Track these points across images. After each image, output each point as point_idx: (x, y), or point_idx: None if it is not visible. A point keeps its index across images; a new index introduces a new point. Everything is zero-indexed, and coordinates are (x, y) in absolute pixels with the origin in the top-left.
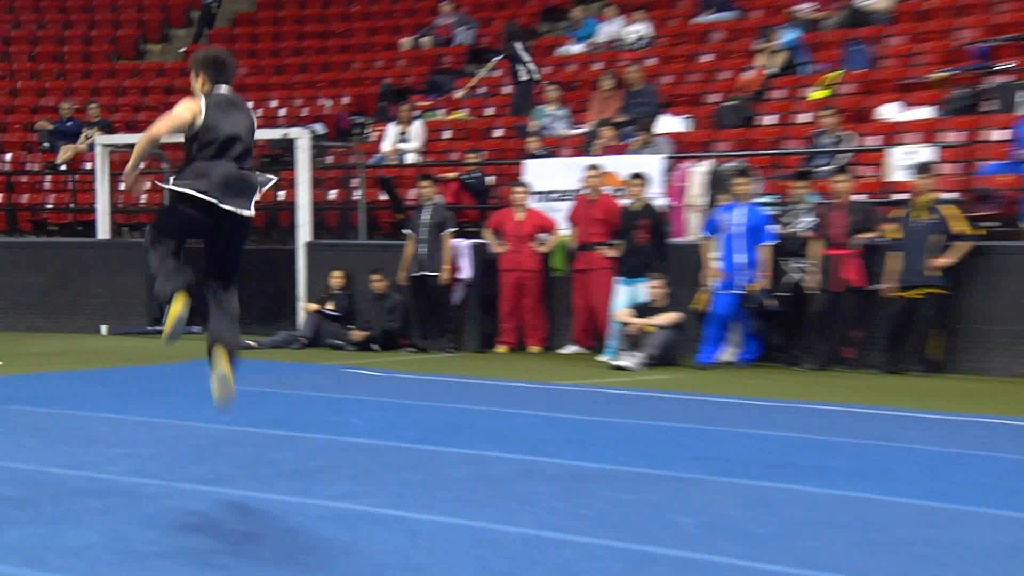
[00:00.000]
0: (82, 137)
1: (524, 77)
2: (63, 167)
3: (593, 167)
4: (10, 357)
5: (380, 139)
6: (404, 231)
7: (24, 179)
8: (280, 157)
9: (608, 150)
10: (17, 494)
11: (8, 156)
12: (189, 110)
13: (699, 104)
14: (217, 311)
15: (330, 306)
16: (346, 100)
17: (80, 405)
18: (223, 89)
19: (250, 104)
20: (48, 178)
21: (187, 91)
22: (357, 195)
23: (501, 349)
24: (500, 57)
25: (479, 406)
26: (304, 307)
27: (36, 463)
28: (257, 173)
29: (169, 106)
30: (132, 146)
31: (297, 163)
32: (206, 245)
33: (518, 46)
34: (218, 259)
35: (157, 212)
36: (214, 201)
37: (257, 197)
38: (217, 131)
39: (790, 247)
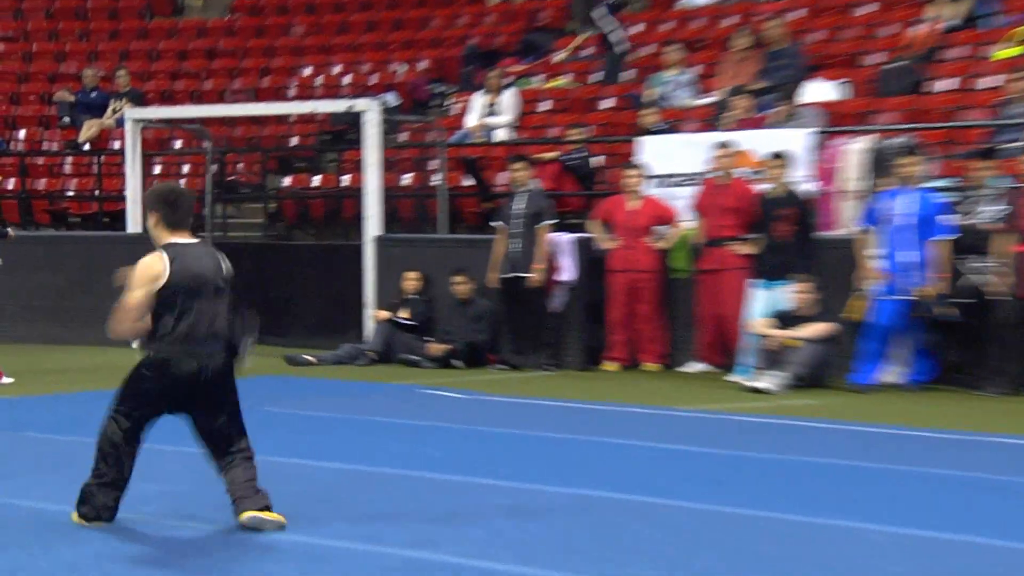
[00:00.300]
0: (109, 111)
1: (618, 48)
2: (86, 146)
3: (724, 145)
4: (24, 374)
5: (464, 112)
6: (493, 223)
7: (41, 161)
8: (343, 134)
9: (742, 124)
10: (34, 539)
11: (22, 133)
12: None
13: (856, 66)
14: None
15: (403, 314)
16: (423, 65)
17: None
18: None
19: (308, 70)
20: (69, 160)
21: (233, 53)
22: (436, 180)
23: (610, 367)
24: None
25: (584, 436)
26: (372, 315)
27: (54, 501)
28: None
29: (210, 73)
30: (169, 122)
31: (364, 141)
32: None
33: (600, 13)
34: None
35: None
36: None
37: None
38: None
39: (970, 242)
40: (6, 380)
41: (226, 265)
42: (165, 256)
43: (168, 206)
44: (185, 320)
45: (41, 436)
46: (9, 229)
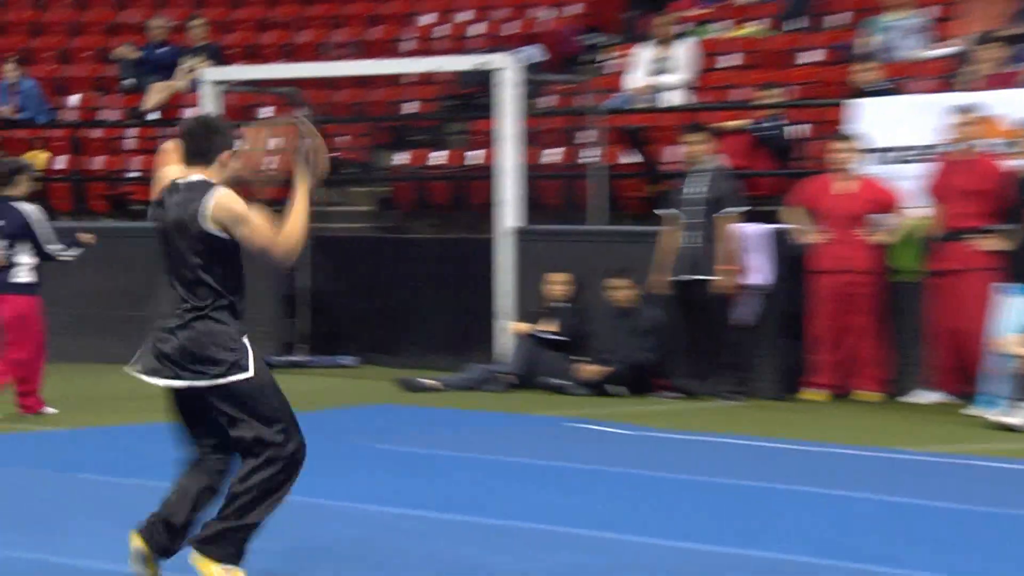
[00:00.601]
0: (181, 70)
1: None
2: (153, 115)
3: (965, 109)
4: (72, 401)
5: (626, 70)
6: (662, 212)
7: (97, 134)
8: (472, 98)
9: (990, 81)
10: None
11: (74, 99)
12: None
13: None
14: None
15: (548, 327)
16: (574, 10)
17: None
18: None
19: (428, 18)
20: (132, 132)
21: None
22: (590, 156)
23: (815, 395)
24: None
25: (779, 484)
26: (509, 328)
27: (113, 560)
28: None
29: (306, 22)
30: (255, 84)
31: (498, 108)
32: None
33: None
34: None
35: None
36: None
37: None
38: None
39: None
40: (49, 410)
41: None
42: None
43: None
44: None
45: (96, 478)
46: (82, 235)
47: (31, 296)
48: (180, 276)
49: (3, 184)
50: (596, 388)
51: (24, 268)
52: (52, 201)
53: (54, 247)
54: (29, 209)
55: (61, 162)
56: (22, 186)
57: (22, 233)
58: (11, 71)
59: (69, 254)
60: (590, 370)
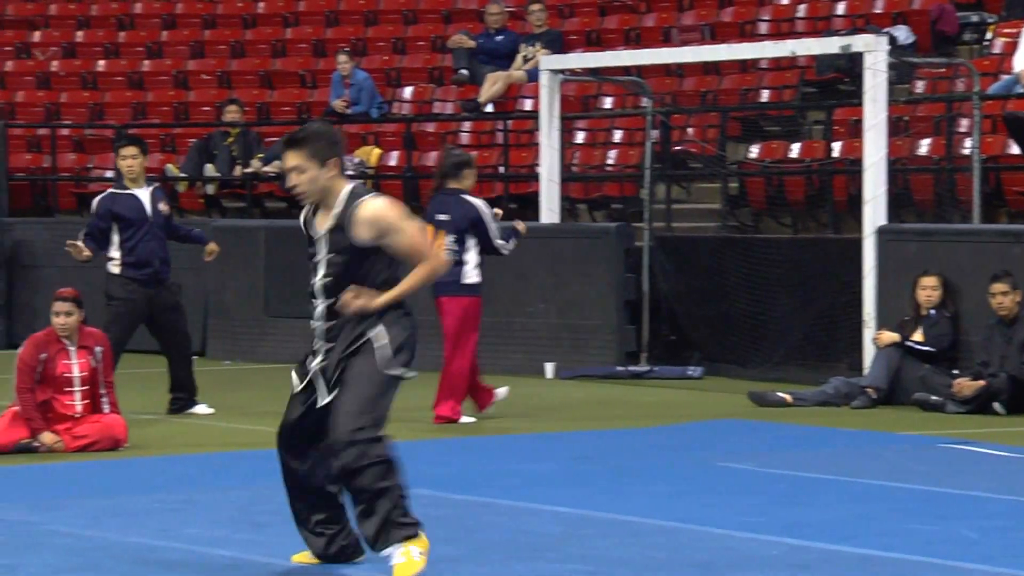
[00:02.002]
0: (519, 59)
1: None
2: (489, 108)
3: None
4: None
5: (1011, 51)
6: None
7: (430, 128)
8: (834, 86)
9: None
10: None
11: (407, 92)
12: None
13: None
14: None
15: (918, 336)
16: None
17: (518, 491)
18: None
19: None
20: (466, 126)
21: None
22: (968, 147)
23: None
24: None
25: None
26: (874, 338)
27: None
28: None
29: (651, 4)
30: (596, 73)
31: (866, 95)
32: None
33: None
34: None
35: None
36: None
37: None
38: None
39: None
40: (466, 419)
41: None
42: None
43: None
44: None
45: (434, 494)
46: (518, 223)
47: (477, 297)
48: None
49: (451, 177)
50: (975, 405)
51: (471, 266)
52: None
53: (500, 242)
54: (479, 203)
55: (393, 158)
56: (469, 180)
57: (471, 228)
58: (344, 62)
59: (509, 247)
60: (966, 385)
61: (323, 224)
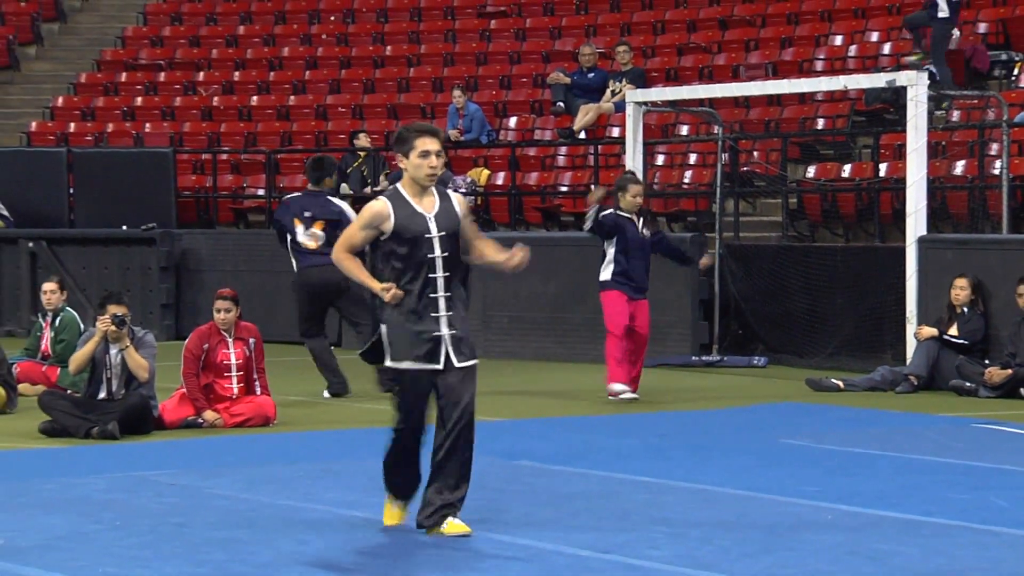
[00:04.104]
0: (608, 93)
1: (944, 13)
2: (582, 135)
3: None
4: (515, 395)
5: None
6: None
7: (532, 152)
8: (881, 115)
9: None
10: None
11: (512, 121)
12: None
13: None
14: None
15: (953, 331)
16: (983, 28)
17: (608, 464)
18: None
19: (839, 39)
20: (562, 150)
21: (750, 21)
22: (997, 168)
23: None
24: None
25: None
26: (916, 332)
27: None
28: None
29: (723, 46)
30: (675, 105)
31: (908, 122)
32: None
33: None
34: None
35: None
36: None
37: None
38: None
39: None
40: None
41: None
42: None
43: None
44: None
45: (537, 466)
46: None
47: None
48: None
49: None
50: (1006, 391)
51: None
52: (492, 213)
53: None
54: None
55: (500, 178)
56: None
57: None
58: (458, 96)
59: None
60: (997, 374)
61: (431, 208)
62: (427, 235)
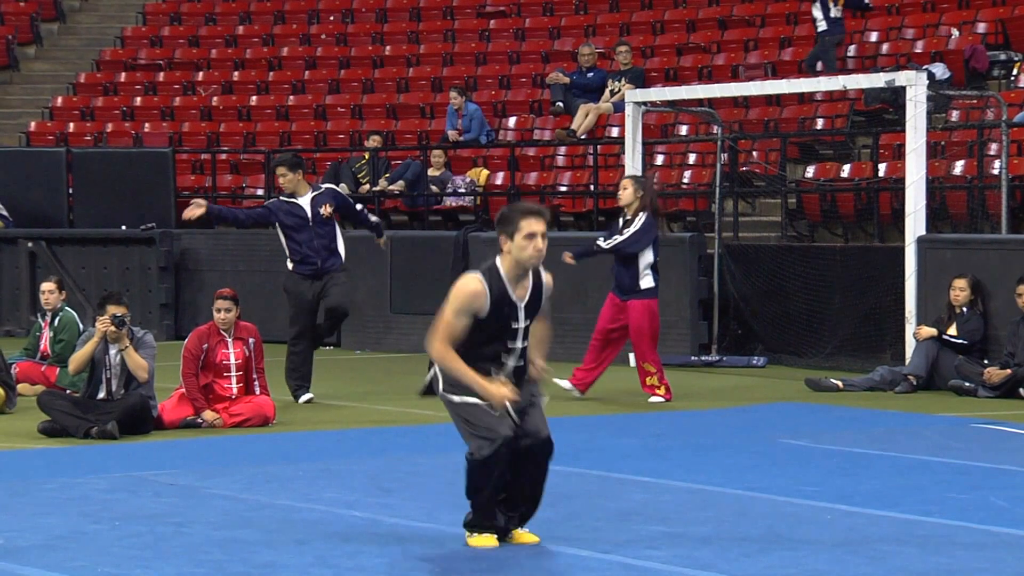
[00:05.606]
0: (607, 93)
1: (823, 27)
2: (581, 135)
3: None
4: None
5: None
6: None
7: (531, 152)
8: (881, 114)
9: None
10: None
11: (511, 121)
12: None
13: None
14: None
15: (952, 331)
16: (981, 28)
17: (608, 463)
18: None
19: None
20: (562, 150)
21: (748, 21)
22: (996, 168)
23: None
24: None
25: None
26: (915, 332)
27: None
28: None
29: (722, 46)
30: (674, 105)
31: (908, 122)
32: None
33: None
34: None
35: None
36: None
37: None
38: None
39: None
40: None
41: None
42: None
43: None
44: None
45: None
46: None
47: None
48: None
49: None
50: (1004, 390)
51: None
52: (492, 214)
53: None
54: None
55: (499, 178)
56: None
57: None
58: (455, 97)
59: None
60: (995, 374)
61: (523, 295)
62: (513, 325)
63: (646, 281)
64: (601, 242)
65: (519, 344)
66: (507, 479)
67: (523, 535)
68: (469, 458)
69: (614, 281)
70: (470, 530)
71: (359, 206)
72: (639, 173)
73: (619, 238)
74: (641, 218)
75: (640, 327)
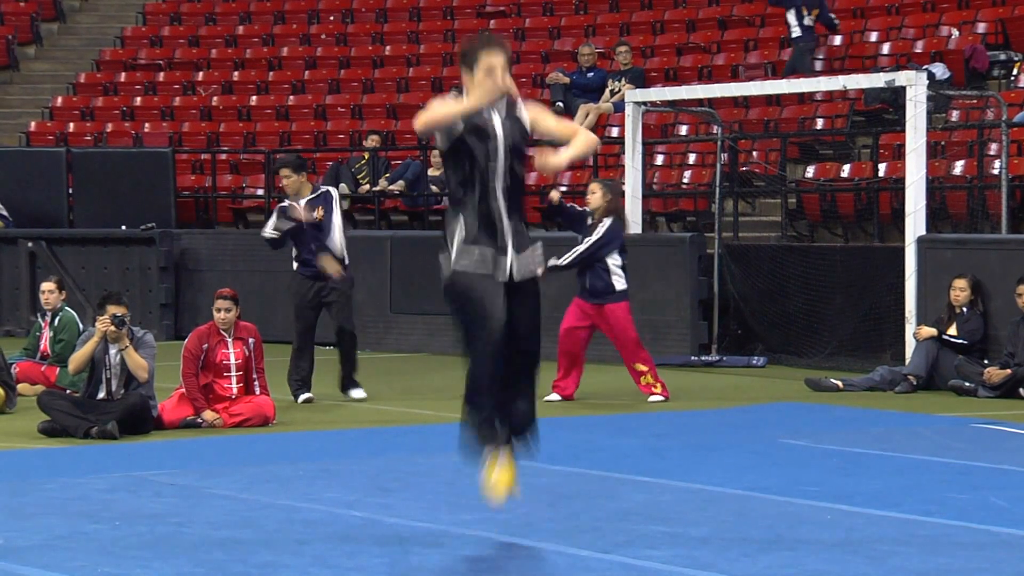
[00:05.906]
0: (607, 93)
1: (796, 33)
2: None
3: None
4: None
5: None
6: None
7: (531, 153)
8: (881, 114)
9: None
10: None
11: None
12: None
13: None
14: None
15: (952, 331)
16: (981, 28)
17: (608, 464)
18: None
19: (837, 39)
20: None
21: (749, 22)
22: (996, 168)
23: None
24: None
25: None
26: (915, 332)
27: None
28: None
29: (723, 46)
30: (674, 104)
31: (908, 122)
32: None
33: None
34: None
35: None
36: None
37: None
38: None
39: None
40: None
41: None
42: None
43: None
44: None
45: (536, 466)
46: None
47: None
48: None
49: None
50: (1004, 391)
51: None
52: None
53: None
54: None
55: None
56: None
57: None
58: (455, 98)
59: None
60: (995, 374)
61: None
62: (493, 146)
63: (619, 283)
64: (557, 260)
65: (502, 184)
66: (502, 372)
67: (506, 473)
68: (464, 354)
69: (580, 287)
70: (478, 458)
71: (335, 221)
72: (639, 171)
73: (579, 249)
74: (605, 223)
75: (625, 329)
